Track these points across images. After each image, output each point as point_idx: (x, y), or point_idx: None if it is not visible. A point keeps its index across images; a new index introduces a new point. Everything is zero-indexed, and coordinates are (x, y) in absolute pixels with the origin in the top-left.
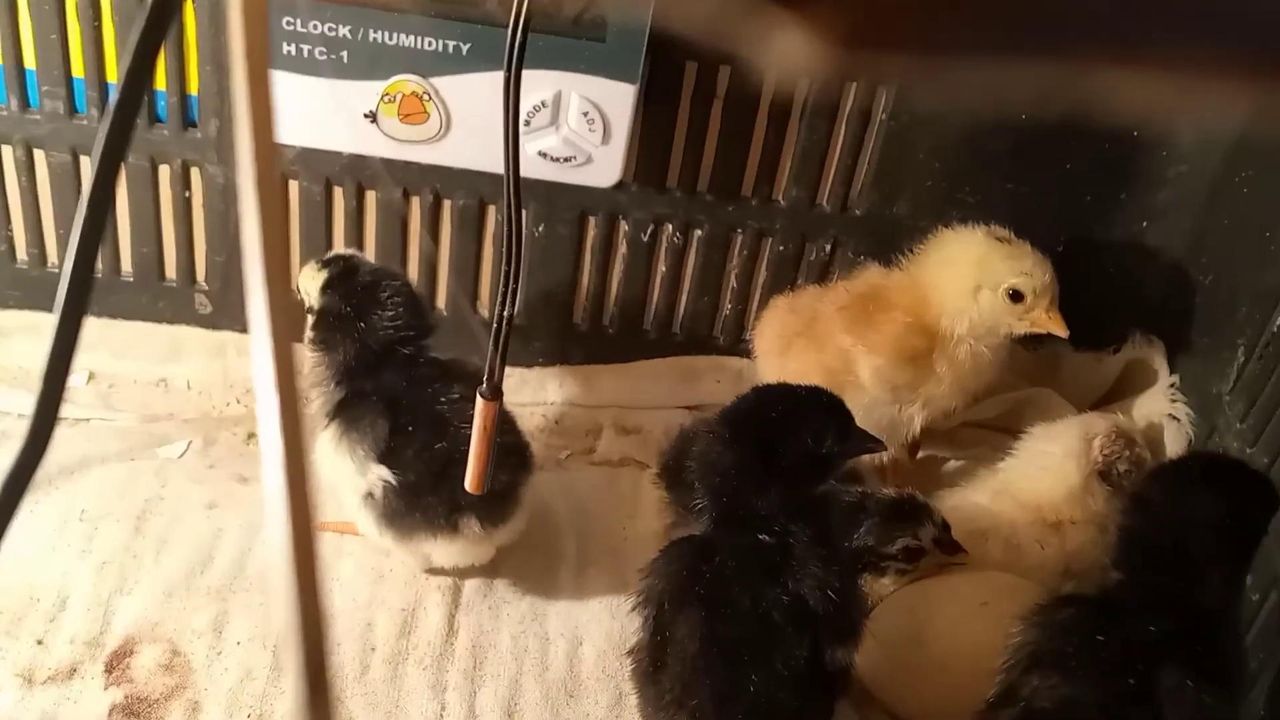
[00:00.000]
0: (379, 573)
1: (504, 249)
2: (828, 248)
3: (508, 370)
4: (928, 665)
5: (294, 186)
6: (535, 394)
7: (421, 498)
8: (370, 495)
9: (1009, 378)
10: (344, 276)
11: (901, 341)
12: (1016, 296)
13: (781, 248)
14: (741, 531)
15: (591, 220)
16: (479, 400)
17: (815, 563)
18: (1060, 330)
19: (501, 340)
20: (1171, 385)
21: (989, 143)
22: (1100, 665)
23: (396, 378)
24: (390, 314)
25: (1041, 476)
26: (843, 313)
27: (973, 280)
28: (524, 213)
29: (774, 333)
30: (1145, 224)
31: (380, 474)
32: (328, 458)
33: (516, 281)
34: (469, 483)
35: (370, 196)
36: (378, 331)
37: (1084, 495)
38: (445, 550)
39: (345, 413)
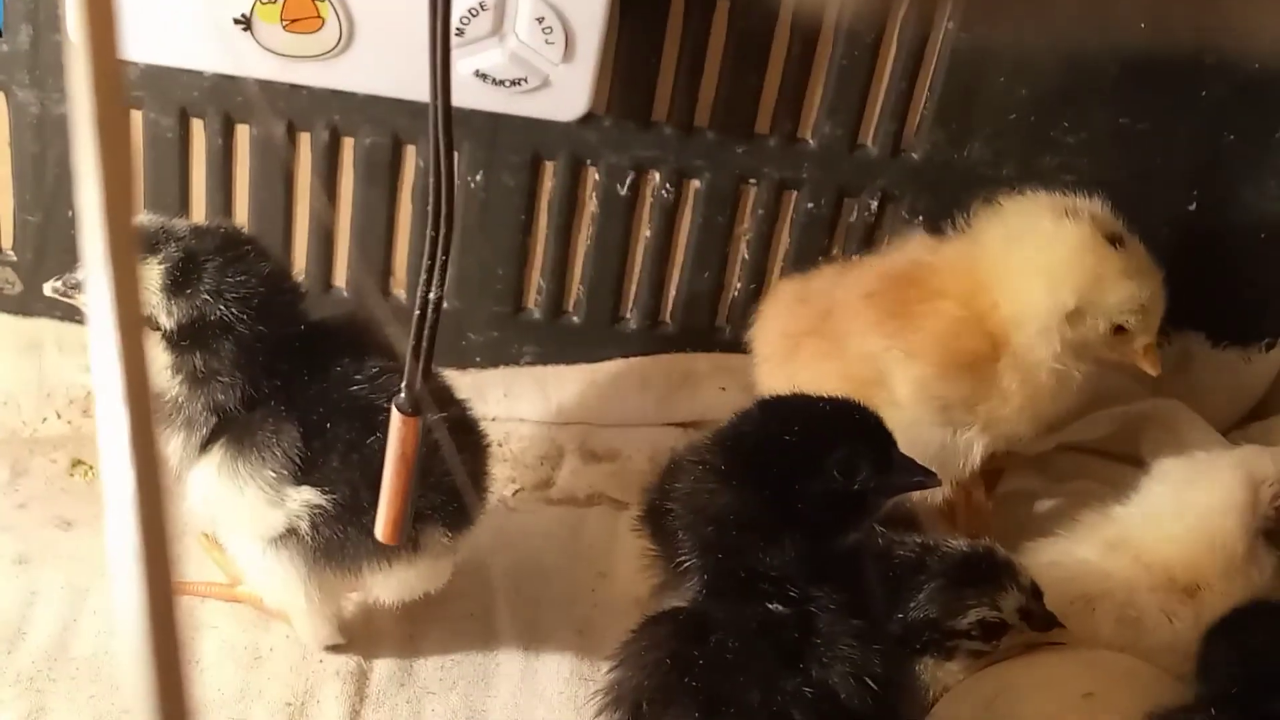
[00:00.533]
0: (255, 653)
1: (430, 206)
2: (874, 204)
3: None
4: None
5: (137, 119)
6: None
7: (363, 515)
8: (291, 533)
9: (1123, 384)
10: (190, 265)
11: (954, 342)
12: (1121, 331)
13: (811, 205)
14: (745, 600)
15: (549, 166)
16: (395, 416)
17: (848, 640)
18: (1152, 370)
19: (426, 333)
20: None
21: (1095, 62)
22: None
23: (287, 364)
24: (255, 286)
25: (1183, 535)
26: (871, 302)
27: (1071, 300)
28: (455, 156)
29: (777, 331)
30: None
31: (305, 498)
32: (212, 496)
33: (446, 251)
34: (382, 530)
35: (242, 133)
36: (246, 316)
37: (1247, 565)
38: (400, 578)
39: (232, 430)
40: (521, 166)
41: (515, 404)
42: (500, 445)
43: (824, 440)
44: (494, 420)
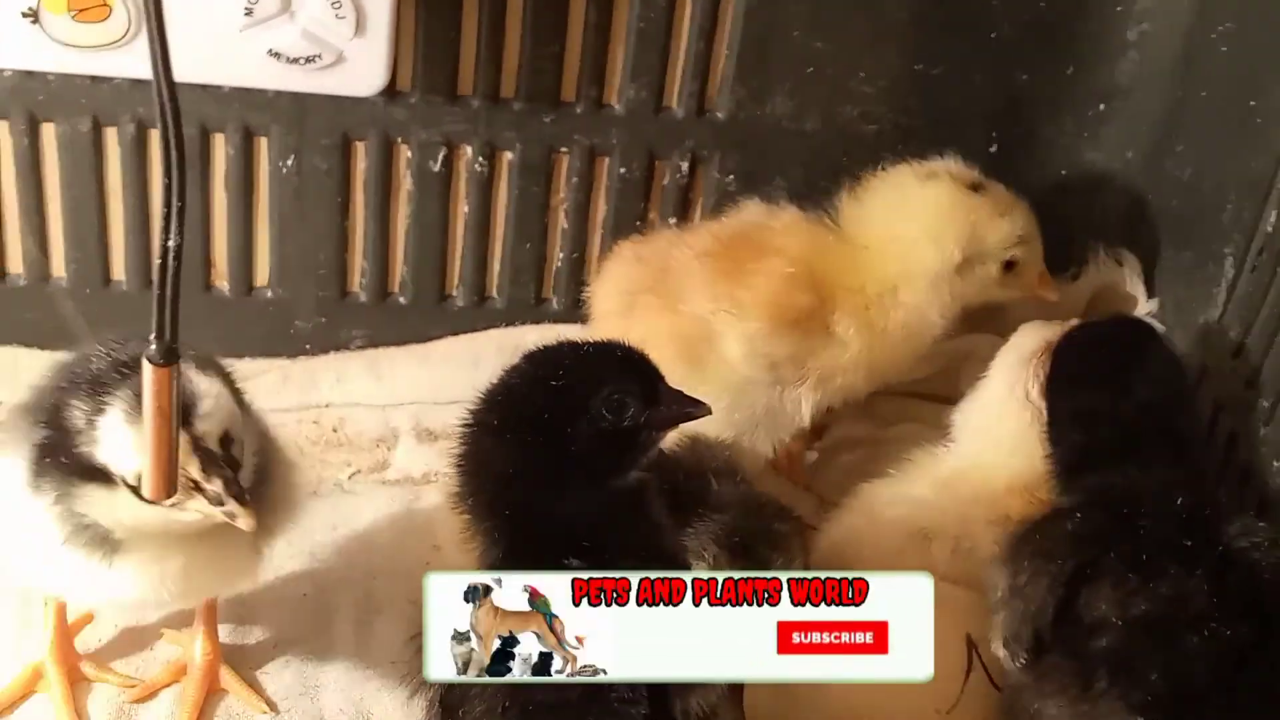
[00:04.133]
0: (83, 645)
1: (161, 153)
2: (685, 166)
3: (263, 364)
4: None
5: None
6: (303, 394)
7: None
8: None
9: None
10: None
11: (782, 299)
12: (1011, 266)
13: (623, 170)
14: (542, 556)
15: (359, 146)
16: (146, 368)
17: None
18: (1052, 296)
19: (169, 280)
20: (1150, 314)
21: (886, 8)
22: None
23: None
24: None
25: (995, 453)
26: (705, 262)
27: (958, 253)
28: (257, 137)
29: (616, 288)
30: (1102, 105)
31: None
32: None
33: (182, 197)
34: (149, 488)
35: (48, 131)
36: None
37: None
38: None
39: None
40: (332, 148)
41: (348, 388)
42: (335, 431)
43: (589, 381)
44: (328, 406)
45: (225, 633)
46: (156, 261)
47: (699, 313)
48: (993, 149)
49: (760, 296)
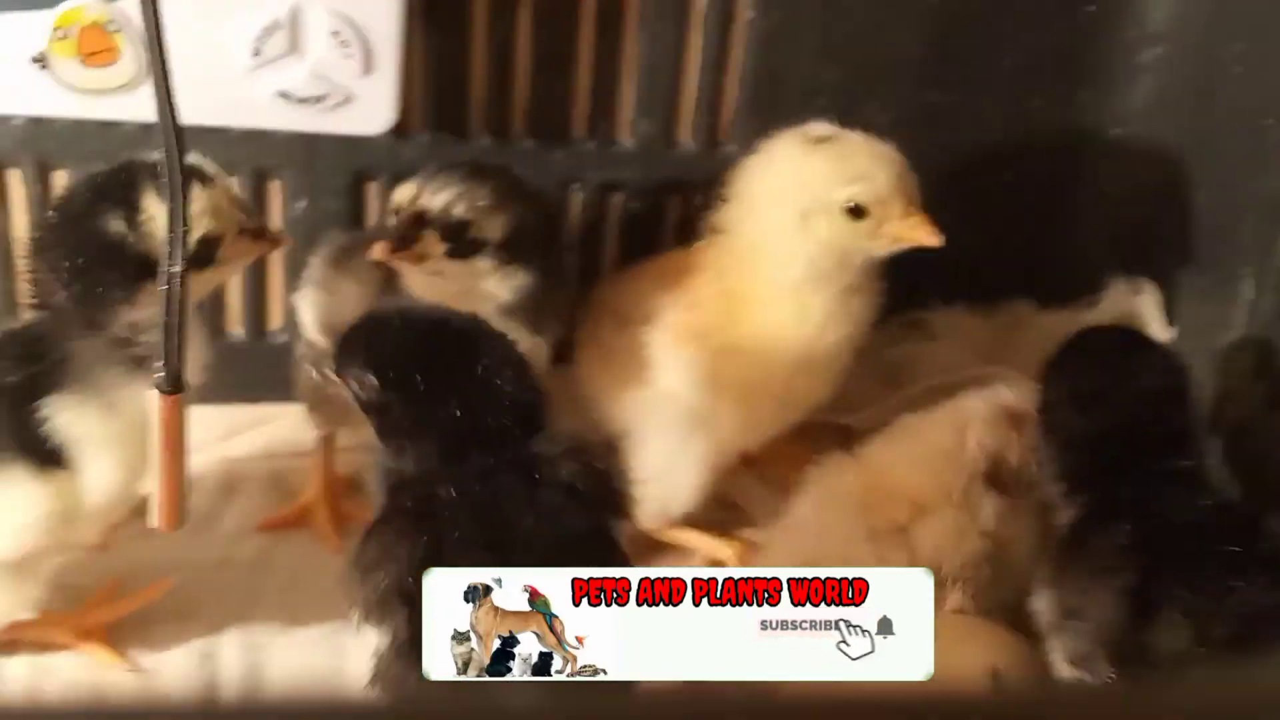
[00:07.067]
0: None
1: (165, 179)
2: (697, 199)
3: (277, 409)
4: None
5: None
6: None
7: None
8: None
9: (953, 354)
10: None
11: (693, 313)
12: (858, 212)
13: (635, 204)
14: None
15: (371, 186)
16: (155, 397)
17: None
18: (929, 238)
19: (176, 307)
20: (1169, 341)
21: (896, 38)
22: None
23: None
24: None
25: (910, 460)
26: (643, 295)
27: (796, 206)
28: (270, 180)
29: (585, 334)
30: (1117, 131)
31: None
32: None
33: (186, 223)
34: (161, 518)
35: (60, 179)
36: None
37: (961, 507)
38: None
39: None
40: (343, 189)
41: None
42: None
43: None
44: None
45: None
46: (162, 289)
47: (637, 343)
48: (1008, 174)
49: (675, 313)
